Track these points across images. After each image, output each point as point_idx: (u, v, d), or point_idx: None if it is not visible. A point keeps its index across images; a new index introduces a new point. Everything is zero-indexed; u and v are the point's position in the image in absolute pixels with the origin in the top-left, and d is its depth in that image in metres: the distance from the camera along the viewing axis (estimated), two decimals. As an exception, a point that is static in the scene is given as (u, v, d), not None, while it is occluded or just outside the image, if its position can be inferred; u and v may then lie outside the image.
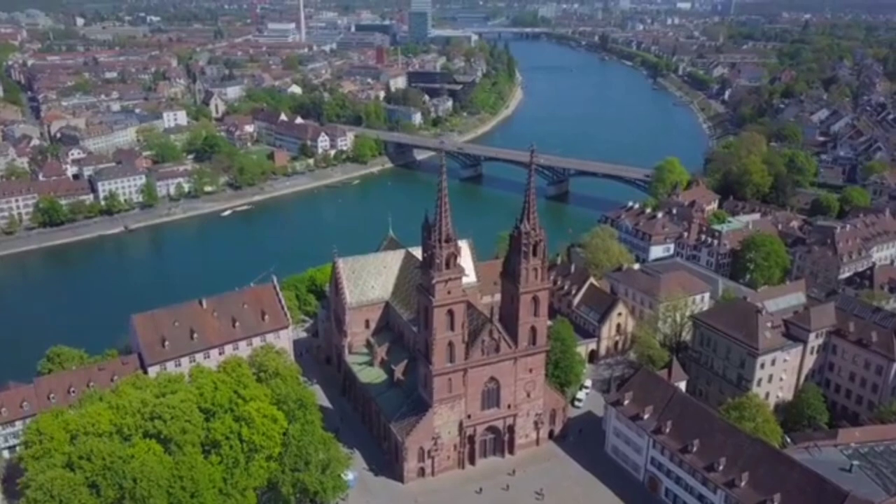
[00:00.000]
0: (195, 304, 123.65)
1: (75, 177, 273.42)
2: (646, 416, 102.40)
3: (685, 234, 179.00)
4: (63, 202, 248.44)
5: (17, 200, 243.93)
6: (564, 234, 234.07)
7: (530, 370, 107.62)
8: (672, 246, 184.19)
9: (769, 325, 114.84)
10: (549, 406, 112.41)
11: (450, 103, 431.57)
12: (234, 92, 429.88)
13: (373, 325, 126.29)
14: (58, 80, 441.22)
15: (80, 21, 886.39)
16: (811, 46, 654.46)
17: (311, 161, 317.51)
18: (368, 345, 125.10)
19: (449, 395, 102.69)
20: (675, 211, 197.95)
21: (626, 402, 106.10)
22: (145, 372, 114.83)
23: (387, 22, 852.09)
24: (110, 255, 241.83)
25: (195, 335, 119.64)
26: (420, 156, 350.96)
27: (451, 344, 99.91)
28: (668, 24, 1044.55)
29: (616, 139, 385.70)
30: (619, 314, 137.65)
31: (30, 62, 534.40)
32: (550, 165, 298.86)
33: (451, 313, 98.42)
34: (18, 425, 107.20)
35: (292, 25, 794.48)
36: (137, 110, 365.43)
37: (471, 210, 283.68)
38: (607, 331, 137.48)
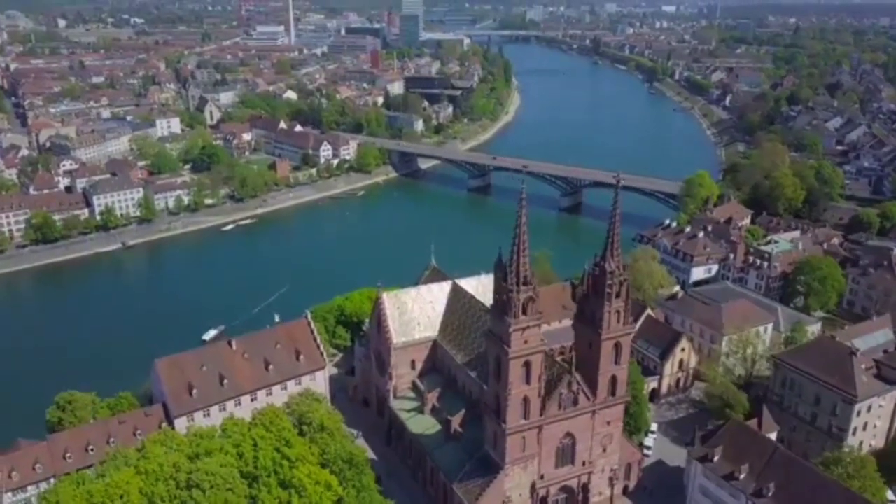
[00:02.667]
0: (223, 344, 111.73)
1: (68, 189, 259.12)
2: (742, 476, 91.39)
3: (731, 255, 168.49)
4: (57, 217, 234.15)
5: (7, 216, 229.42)
6: (584, 250, 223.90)
7: (608, 423, 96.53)
8: (714, 267, 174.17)
9: (864, 367, 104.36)
10: (625, 460, 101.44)
11: (450, 109, 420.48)
12: (226, 97, 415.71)
13: (419, 366, 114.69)
14: (43, 85, 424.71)
15: (61, 23, 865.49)
16: (806, 51, 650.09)
17: (313, 171, 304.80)
18: (415, 388, 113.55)
19: (522, 454, 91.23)
20: (710, 228, 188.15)
21: (715, 459, 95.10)
22: (171, 423, 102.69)
23: (377, 25, 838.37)
24: (108, 274, 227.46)
25: (225, 381, 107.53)
26: (424, 165, 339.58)
27: (526, 399, 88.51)
28: (657, 27, 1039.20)
29: (621, 145, 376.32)
30: (683, 349, 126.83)
31: (12, 66, 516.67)
32: (564, 176, 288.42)
33: (527, 365, 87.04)
34: (31, 490, 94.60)
35: (281, 28, 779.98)
36: (129, 117, 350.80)
37: (482, 222, 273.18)
38: (669, 368, 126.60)
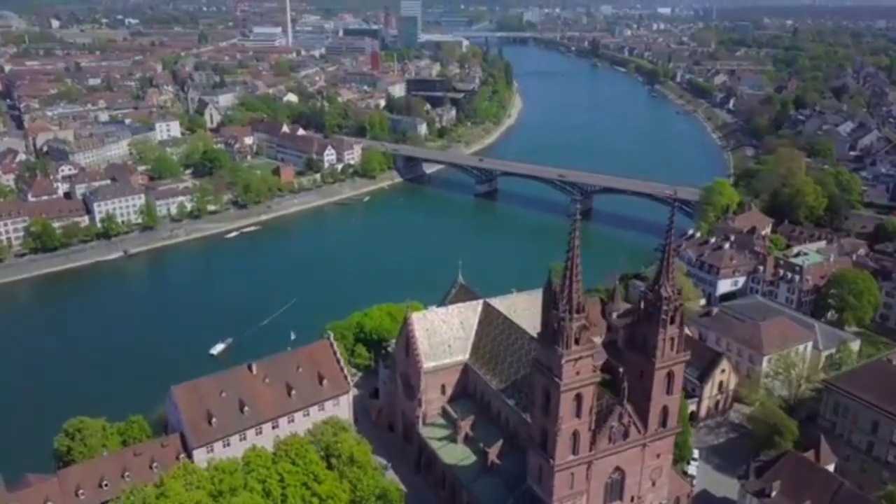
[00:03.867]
0: (243, 369, 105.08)
1: (66, 195, 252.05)
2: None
3: (760, 268, 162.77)
4: (56, 225, 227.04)
5: (5, 224, 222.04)
6: (597, 258, 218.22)
7: (658, 456, 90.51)
8: (741, 280, 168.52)
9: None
10: (674, 493, 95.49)
11: (453, 112, 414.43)
12: (225, 100, 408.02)
13: (449, 391, 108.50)
14: (39, 87, 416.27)
15: (55, 23, 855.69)
16: (806, 54, 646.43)
17: (317, 176, 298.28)
18: (446, 414, 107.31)
19: (570, 492, 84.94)
20: (733, 238, 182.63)
21: (773, 494, 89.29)
22: (189, 455, 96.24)
23: (375, 26, 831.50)
24: (110, 284, 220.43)
25: (246, 408, 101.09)
26: (429, 169, 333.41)
27: (575, 433, 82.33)
28: (654, 29, 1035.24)
29: (626, 149, 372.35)
30: (723, 371, 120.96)
31: (7, 67, 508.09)
32: (573, 182, 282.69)
33: (578, 398, 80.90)
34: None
35: (278, 29, 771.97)
36: (128, 121, 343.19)
37: (493, 230, 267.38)
38: (709, 390, 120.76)
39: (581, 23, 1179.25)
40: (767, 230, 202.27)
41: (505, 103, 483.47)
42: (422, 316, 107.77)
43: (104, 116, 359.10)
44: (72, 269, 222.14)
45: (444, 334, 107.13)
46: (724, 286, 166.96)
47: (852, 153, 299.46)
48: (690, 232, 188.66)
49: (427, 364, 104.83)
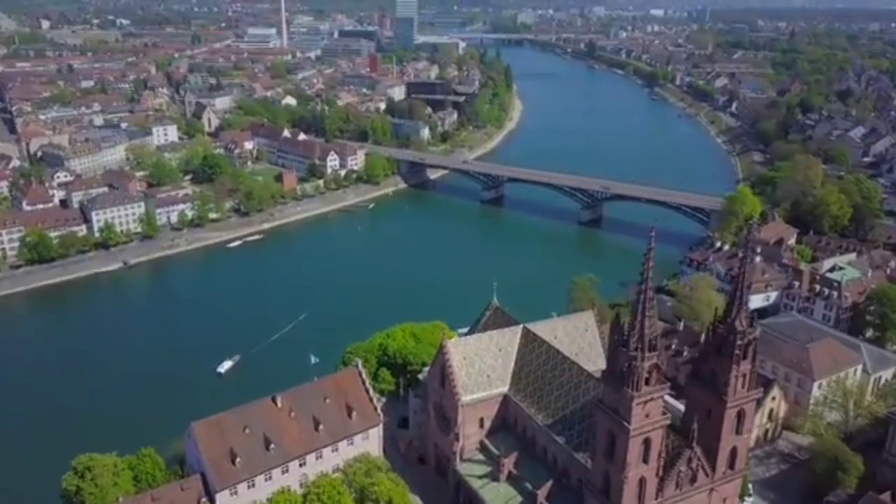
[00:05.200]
0: (267, 402, 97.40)
1: (63, 203, 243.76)
2: (887, 566, 78.91)
3: (796, 283, 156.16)
4: (53, 235, 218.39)
5: (0, 234, 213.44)
6: (615, 268, 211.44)
7: (725, 500, 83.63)
8: (772, 295, 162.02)
9: None
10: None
11: (454, 116, 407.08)
12: (222, 103, 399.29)
13: (488, 424, 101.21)
14: (31, 89, 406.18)
15: (45, 24, 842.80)
16: (805, 56, 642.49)
17: (320, 183, 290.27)
18: (484, 449, 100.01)
19: (634, 542, 78.05)
20: (759, 250, 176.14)
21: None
22: (211, 499, 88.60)
23: (371, 28, 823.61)
24: (110, 297, 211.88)
25: (271, 445, 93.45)
26: (433, 175, 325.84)
27: (642, 480, 75.49)
28: (649, 31, 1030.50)
29: (631, 153, 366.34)
30: (773, 398, 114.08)
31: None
32: (582, 188, 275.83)
33: (647, 442, 74.05)
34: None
35: (273, 31, 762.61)
36: (123, 125, 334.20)
37: (500, 237, 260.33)
38: (759, 418, 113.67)
39: (575, 24, 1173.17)
40: (792, 241, 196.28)
41: (506, 106, 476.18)
42: (458, 344, 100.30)
43: (99, 120, 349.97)
44: (70, 282, 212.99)
45: (482, 363, 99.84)
46: (756, 301, 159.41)
47: (865, 159, 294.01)
48: (718, 244, 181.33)
49: (466, 397, 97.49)
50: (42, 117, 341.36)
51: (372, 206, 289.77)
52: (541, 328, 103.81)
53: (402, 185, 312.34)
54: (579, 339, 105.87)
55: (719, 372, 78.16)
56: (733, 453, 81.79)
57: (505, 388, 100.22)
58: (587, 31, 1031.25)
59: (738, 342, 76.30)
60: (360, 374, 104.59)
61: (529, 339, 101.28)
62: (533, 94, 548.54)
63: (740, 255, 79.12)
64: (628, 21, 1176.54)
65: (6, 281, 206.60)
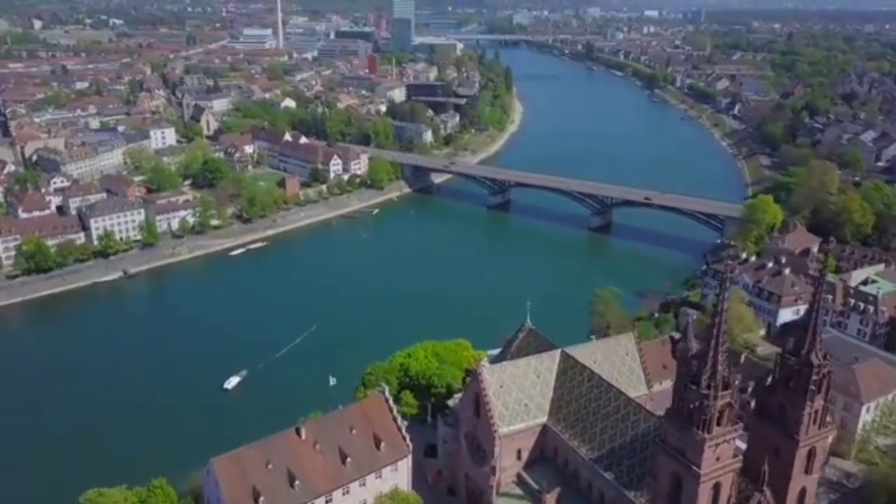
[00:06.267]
0: (290, 434, 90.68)
1: (59, 210, 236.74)
2: None
3: (829, 296, 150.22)
4: (50, 243, 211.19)
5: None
6: (628, 277, 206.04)
7: (791, 544, 77.46)
8: (802, 308, 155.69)
9: None
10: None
11: (456, 119, 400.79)
12: (220, 105, 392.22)
13: (525, 455, 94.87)
14: (24, 91, 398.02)
15: (37, 24, 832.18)
16: (805, 58, 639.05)
17: (324, 188, 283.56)
18: (522, 483, 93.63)
19: None
20: (784, 261, 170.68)
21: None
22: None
23: (367, 29, 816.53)
24: (110, 308, 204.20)
25: (296, 481, 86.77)
26: (438, 179, 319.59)
27: (709, 527, 69.22)
28: (645, 32, 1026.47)
29: (635, 156, 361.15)
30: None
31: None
32: (592, 193, 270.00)
33: (716, 487, 67.84)
34: None
35: (268, 31, 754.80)
36: (120, 128, 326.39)
37: (509, 244, 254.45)
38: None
39: (571, 25, 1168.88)
40: (814, 250, 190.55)
41: (507, 109, 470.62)
42: (494, 370, 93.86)
43: (95, 123, 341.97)
44: (68, 292, 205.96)
45: (519, 391, 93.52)
46: (786, 316, 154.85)
47: (879, 164, 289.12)
48: (744, 255, 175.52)
49: (503, 428, 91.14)
50: (36, 120, 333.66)
51: (376, 211, 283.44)
52: (579, 352, 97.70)
53: (407, 190, 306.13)
54: (619, 363, 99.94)
55: (790, 408, 72.07)
56: (802, 494, 75.69)
57: (544, 419, 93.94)
58: (583, 33, 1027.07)
59: (813, 377, 70.20)
60: (386, 401, 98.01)
61: (569, 365, 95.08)
62: (533, 96, 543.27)
63: (814, 277, 72.56)
64: (624, 22, 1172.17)
65: (3, 292, 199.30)
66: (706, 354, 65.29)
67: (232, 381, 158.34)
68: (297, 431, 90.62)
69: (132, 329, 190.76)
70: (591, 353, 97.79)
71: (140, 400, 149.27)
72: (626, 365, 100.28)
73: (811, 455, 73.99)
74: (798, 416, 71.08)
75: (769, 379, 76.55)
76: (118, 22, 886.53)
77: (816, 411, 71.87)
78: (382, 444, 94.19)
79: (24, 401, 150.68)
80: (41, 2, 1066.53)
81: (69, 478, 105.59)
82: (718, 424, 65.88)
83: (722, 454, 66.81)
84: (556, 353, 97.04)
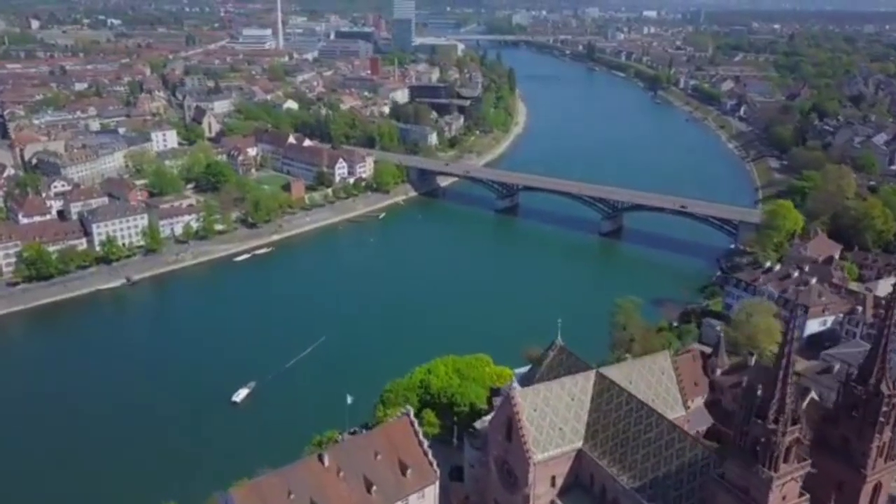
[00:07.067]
0: (313, 461, 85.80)
1: (60, 215, 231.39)
2: None
3: (859, 308, 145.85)
4: (52, 249, 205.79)
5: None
6: (641, 284, 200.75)
7: (851, 582, 72.66)
8: (829, 319, 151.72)
9: None
10: None
11: (461, 121, 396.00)
12: (221, 106, 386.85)
13: (560, 482, 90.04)
14: (23, 92, 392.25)
15: (34, 24, 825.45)
16: (808, 59, 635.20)
17: (329, 191, 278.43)
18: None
19: None
20: (806, 269, 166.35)
21: None
22: (254, 577, 76.96)
23: (366, 29, 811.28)
24: (112, 316, 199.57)
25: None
26: (444, 182, 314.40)
27: (772, 570, 64.35)
28: (645, 33, 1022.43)
29: (642, 158, 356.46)
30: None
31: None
32: (602, 197, 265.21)
33: (781, 527, 62.99)
34: None
35: (268, 31, 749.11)
36: (121, 130, 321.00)
37: (519, 250, 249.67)
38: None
39: (571, 26, 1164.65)
40: (835, 257, 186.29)
41: (511, 110, 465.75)
42: (527, 393, 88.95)
43: (95, 125, 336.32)
44: (70, 300, 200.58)
45: (553, 415, 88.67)
46: (813, 327, 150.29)
47: (893, 168, 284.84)
48: (768, 265, 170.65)
49: (538, 455, 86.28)
50: (36, 122, 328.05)
51: (383, 215, 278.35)
52: (614, 372, 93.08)
53: (413, 194, 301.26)
54: (655, 383, 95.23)
55: (854, 440, 67.43)
56: (866, 531, 71.13)
57: (579, 443, 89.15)
58: (583, 33, 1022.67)
59: (883, 408, 65.41)
60: (412, 424, 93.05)
61: (605, 387, 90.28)
62: (535, 97, 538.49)
63: (887, 313, 67.43)
64: (623, 22, 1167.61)
65: (3, 300, 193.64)
66: (773, 386, 60.29)
67: (240, 394, 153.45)
68: (320, 458, 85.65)
69: (136, 338, 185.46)
70: (626, 374, 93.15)
71: (146, 413, 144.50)
72: (662, 385, 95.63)
73: (877, 490, 69.22)
74: (865, 449, 66.37)
75: (833, 402, 71.59)
76: (116, 22, 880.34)
77: (885, 443, 66.99)
78: (409, 471, 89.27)
79: (25, 416, 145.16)
80: (38, 1, 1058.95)
81: (71, 500, 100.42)
82: (785, 461, 61.10)
83: (788, 493, 62.17)
84: (591, 374, 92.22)
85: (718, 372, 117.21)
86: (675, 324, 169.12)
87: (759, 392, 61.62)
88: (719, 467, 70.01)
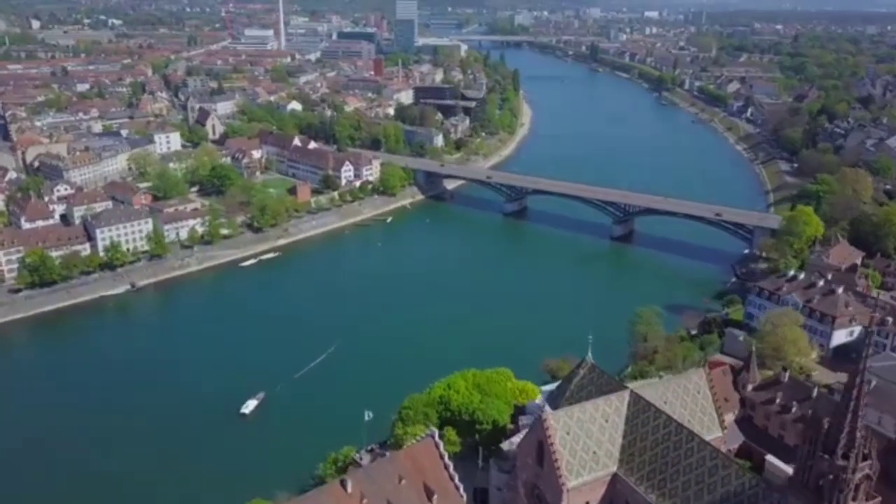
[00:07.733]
0: (335, 487, 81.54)
1: (63, 219, 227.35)
2: None
3: (889, 319, 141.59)
4: (55, 255, 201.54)
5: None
6: (655, 290, 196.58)
7: None
8: (856, 329, 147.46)
9: None
10: None
11: (467, 122, 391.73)
12: (224, 108, 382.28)
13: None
14: (24, 93, 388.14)
15: (35, 24, 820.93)
16: (813, 61, 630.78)
17: (335, 195, 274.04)
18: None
19: None
20: (829, 277, 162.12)
21: None
22: None
23: (369, 29, 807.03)
24: (117, 324, 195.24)
25: (344, 543, 77.75)
26: (450, 185, 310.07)
27: None
28: (647, 33, 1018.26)
29: (650, 161, 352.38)
30: None
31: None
32: (613, 201, 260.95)
33: (847, 568, 58.68)
34: None
35: (270, 32, 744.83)
36: (124, 132, 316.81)
37: (527, 255, 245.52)
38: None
39: (572, 26, 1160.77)
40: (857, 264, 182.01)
41: (516, 111, 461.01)
42: (559, 416, 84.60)
43: (97, 127, 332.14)
44: (73, 306, 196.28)
45: (587, 438, 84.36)
46: (840, 338, 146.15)
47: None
48: (791, 273, 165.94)
49: (572, 481, 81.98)
50: (38, 124, 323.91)
51: (390, 219, 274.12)
52: (649, 392, 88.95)
53: (420, 197, 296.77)
54: (691, 402, 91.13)
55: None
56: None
57: (614, 468, 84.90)
58: (585, 34, 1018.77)
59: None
60: (437, 447, 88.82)
61: (640, 408, 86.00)
62: (539, 99, 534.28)
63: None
64: (625, 23, 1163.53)
65: (5, 307, 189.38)
66: (842, 418, 56.05)
67: (249, 405, 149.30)
68: (343, 484, 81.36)
69: (140, 346, 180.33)
70: (661, 393, 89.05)
71: (152, 424, 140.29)
72: (697, 404, 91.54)
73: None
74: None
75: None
76: (117, 22, 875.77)
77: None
78: (435, 497, 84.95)
79: (27, 428, 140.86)
80: (39, 1, 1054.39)
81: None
82: (854, 500, 56.83)
83: (855, 532, 57.84)
84: (625, 395, 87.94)
85: (750, 387, 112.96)
86: (693, 332, 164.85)
87: (825, 425, 57.45)
88: (768, 499, 65.98)
